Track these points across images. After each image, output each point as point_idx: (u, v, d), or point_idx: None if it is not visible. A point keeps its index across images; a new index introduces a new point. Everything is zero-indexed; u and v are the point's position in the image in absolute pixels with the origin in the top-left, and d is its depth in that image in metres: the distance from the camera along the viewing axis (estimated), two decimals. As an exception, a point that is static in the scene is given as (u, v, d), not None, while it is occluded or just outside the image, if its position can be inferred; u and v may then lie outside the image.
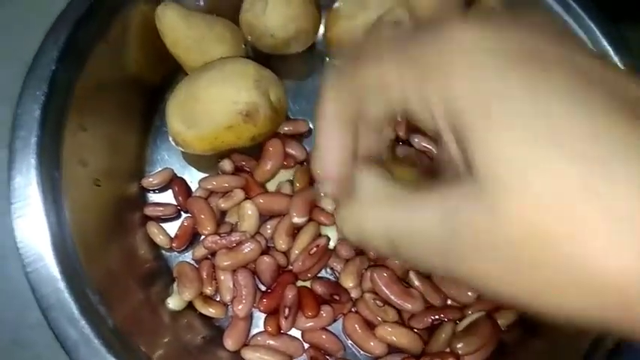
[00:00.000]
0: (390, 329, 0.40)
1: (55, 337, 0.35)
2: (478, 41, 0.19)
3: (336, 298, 0.41)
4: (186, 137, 0.41)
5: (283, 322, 0.40)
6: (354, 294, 0.42)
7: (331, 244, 0.43)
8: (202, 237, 0.43)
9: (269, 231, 0.43)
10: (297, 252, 0.42)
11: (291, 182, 0.46)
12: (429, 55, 0.20)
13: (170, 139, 0.43)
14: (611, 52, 0.44)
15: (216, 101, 0.40)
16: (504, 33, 0.19)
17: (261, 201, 0.43)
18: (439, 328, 0.41)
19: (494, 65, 0.18)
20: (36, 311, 0.35)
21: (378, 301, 0.40)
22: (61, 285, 0.35)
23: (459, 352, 0.39)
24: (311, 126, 0.47)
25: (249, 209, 0.42)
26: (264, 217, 0.44)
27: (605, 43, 0.44)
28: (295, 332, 0.42)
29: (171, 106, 0.42)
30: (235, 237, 0.41)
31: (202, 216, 0.42)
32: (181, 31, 0.43)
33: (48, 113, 0.38)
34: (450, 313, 0.41)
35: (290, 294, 0.40)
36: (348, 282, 0.41)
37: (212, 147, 0.42)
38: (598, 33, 0.44)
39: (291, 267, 0.42)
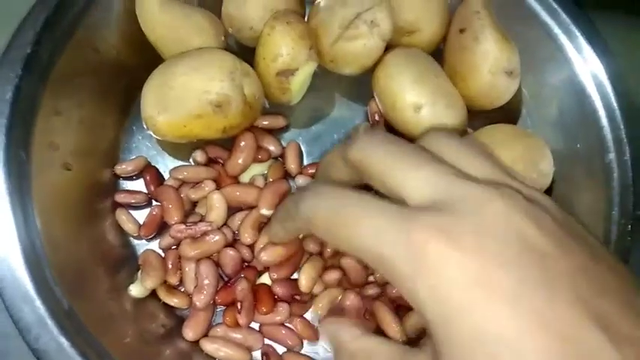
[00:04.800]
0: None
1: (10, 318, 0.35)
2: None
3: (297, 298, 0.41)
4: (157, 122, 0.41)
5: (238, 317, 0.39)
6: (316, 290, 0.41)
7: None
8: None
9: (238, 223, 0.43)
10: (260, 246, 0.41)
11: (265, 176, 0.46)
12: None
13: (143, 123, 0.43)
14: (583, 40, 0.44)
15: (188, 89, 0.40)
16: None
17: (230, 191, 0.43)
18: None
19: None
20: (9, 320, 0.35)
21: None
22: (19, 265, 0.35)
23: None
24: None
25: (217, 201, 0.42)
26: (235, 209, 0.44)
27: (575, 30, 0.45)
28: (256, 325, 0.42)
29: (146, 89, 0.42)
30: (201, 227, 0.41)
31: (170, 205, 0.42)
32: (159, 20, 0.43)
33: (20, 95, 0.39)
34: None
35: (240, 287, 0.40)
36: (303, 286, 0.40)
37: (181, 134, 0.42)
38: (560, 11, 0.45)
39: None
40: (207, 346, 0.40)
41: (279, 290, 0.41)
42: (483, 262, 0.22)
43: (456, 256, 0.22)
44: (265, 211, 0.42)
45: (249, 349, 0.41)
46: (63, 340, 0.35)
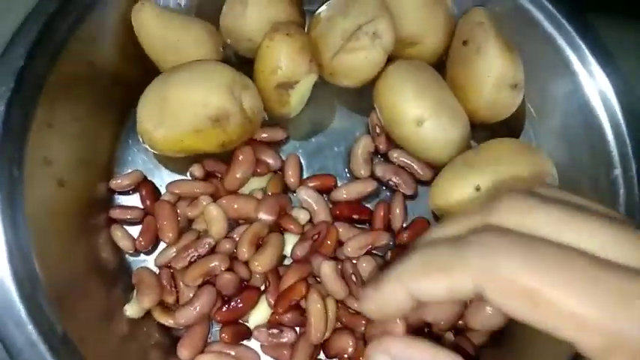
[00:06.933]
0: None
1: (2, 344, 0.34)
2: None
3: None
4: (153, 137, 0.40)
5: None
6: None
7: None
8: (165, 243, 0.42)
9: (236, 238, 0.42)
10: (259, 269, 0.40)
11: (264, 190, 0.45)
12: None
13: (139, 137, 0.42)
14: (588, 52, 0.44)
15: (186, 103, 0.39)
16: None
17: (228, 203, 0.42)
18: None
19: None
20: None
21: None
22: (10, 287, 0.34)
23: None
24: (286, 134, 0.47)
25: (214, 211, 0.41)
26: (234, 224, 0.43)
27: (580, 42, 0.44)
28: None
29: (141, 103, 0.41)
30: (201, 249, 0.40)
31: (165, 222, 0.41)
32: (156, 32, 0.42)
33: (12, 109, 0.38)
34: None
35: None
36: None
37: (179, 149, 0.41)
38: (565, 22, 0.44)
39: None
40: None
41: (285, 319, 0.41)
42: None
43: None
44: (263, 216, 0.41)
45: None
46: (55, 365, 0.34)
